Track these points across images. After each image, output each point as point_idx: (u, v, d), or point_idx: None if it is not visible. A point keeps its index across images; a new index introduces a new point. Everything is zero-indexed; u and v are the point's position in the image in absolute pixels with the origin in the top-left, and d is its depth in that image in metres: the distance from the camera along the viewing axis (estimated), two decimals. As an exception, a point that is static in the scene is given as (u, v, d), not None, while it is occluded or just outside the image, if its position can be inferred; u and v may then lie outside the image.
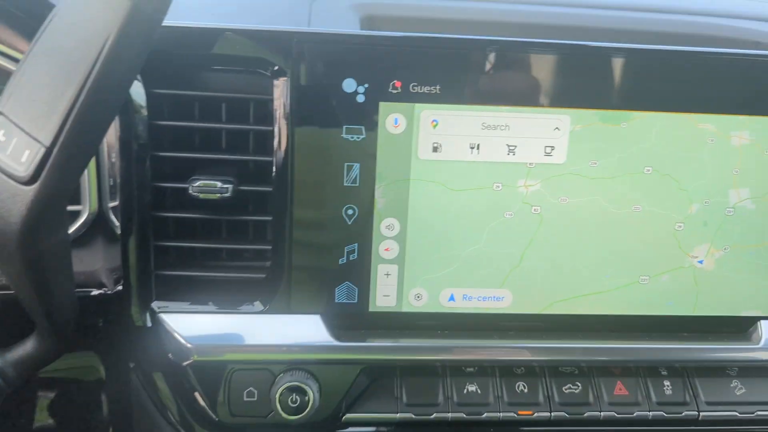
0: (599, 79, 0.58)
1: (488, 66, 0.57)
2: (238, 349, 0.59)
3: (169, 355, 0.59)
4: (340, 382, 0.61)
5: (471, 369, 0.64)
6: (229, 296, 0.61)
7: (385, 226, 0.60)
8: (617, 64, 0.57)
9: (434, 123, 0.58)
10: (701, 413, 0.64)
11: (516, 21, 0.72)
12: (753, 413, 0.64)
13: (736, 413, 0.64)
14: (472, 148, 0.58)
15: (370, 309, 0.61)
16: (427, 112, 0.57)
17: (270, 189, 0.58)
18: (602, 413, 0.63)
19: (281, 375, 0.59)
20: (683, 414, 0.64)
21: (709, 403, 0.64)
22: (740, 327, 0.65)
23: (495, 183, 0.59)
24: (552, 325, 0.63)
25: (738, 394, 0.65)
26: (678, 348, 0.63)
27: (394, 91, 0.57)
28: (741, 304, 0.64)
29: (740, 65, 0.59)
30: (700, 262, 0.63)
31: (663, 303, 0.64)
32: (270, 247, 0.60)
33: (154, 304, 0.60)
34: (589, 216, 0.61)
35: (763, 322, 0.65)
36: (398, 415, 0.62)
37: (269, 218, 0.59)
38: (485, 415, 0.62)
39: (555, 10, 0.74)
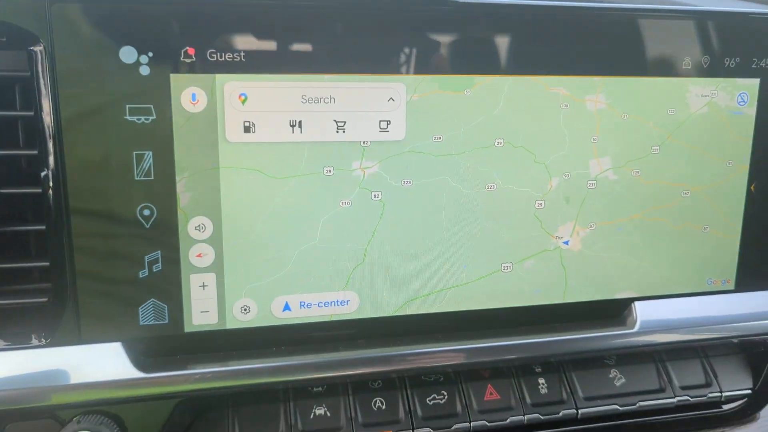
0: (436, 39, 0.50)
1: (304, 26, 0.48)
2: (11, 396, 0.46)
3: None
4: (152, 423, 0.49)
5: (318, 389, 0.55)
6: (1, 330, 0.48)
7: (194, 227, 0.49)
8: (455, 20, 0.50)
9: (243, 98, 0.48)
10: (580, 410, 0.57)
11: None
12: (635, 404, 0.59)
13: (617, 406, 0.58)
14: (293, 126, 0.49)
15: (187, 329, 0.50)
16: (232, 84, 0.47)
17: (39, 190, 0.46)
18: (472, 424, 0.55)
19: (69, 423, 0.47)
20: (561, 414, 0.57)
21: (588, 398, 0.58)
22: (615, 311, 0.59)
23: (325, 167, 0.50)
24: (407, 328, 0.55)
25: (618, 384, 0.59)
26: (549, 341, 0.56)
27: (188, 60, 0.46)
28: (613, 287, 0.59)
29: (591, 19, 0.52)
30: (566, 242, 0.56)
31: (530, 292, 0.57)
32: (47, 264, 0.47)
33: None
34: (438, 199, 0.53)
35: (637, 303, 0.59)
36: (230, 454, 0.51)
37: (42, 227, 0.47)
38: (337, 441, 0.53)
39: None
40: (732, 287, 0.61)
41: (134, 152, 0.46)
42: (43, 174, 0.46)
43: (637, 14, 0.53)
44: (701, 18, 0.55)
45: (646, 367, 0.60)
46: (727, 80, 0.57)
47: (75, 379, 0.47)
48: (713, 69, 0.56)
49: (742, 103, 0.58)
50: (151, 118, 0.46)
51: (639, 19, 0.53)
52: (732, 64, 0.56)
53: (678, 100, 0.56)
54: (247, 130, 0.48)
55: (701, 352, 0.62)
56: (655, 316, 0.58)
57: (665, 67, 0.55)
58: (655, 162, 0.57)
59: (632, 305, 0.59)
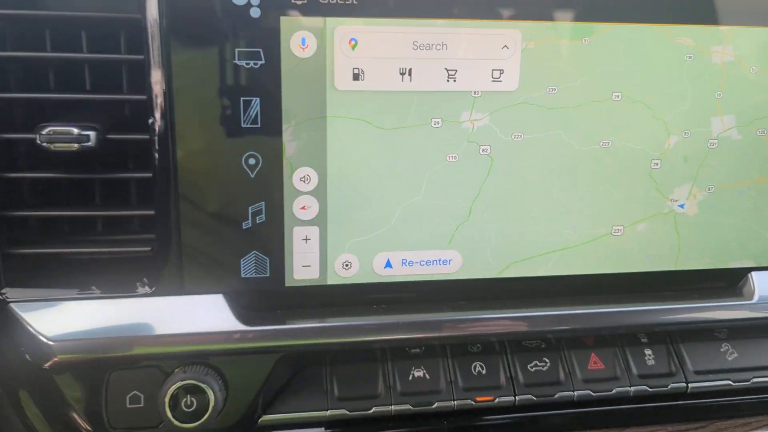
0: (554, -17, 0.47)
1: (418, -33, 0.45)
2: (116, 343, 0.46)
3: (27, 356, 0.46)
4: (253, 377, 0.49)
5: (417, 350, 0.53)
6: (104, 278, 0.48)
7: (299, 178, 0.47)
8: (575, -37, 0.46)
9: (353, 43, 0.45)
10: (690, 384, 0.54)
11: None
12: (749, 380, 0.55)
13: (730, 382, 0.55)
14: (403, 74, 0.47)
15: (287, 284, 0.49)
16: (342, 28, 0.45)
17: (146, 137, 0.45)
18: (576, 393, 0.53)
19: (174, 373, 0.46)
20: (669, 387, 0.54)
21: (698, 372, 0.55)
22: (729, 281, 0.56)
23: (433, 118, 0.48)
24: (510, 291, 0.52)
25: (730, 359, 0.55)
26: (659, 309, 0.53)
27: (299, 2, 0.44)
28: (729, 255, 0.55)
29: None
30: (681, 206, 0.53)
31: (641, 257, 0.53)
32: (153, 213, 0.47)
33: (5, 292, 0.46)
34: (550, 155, 0.50)
35: (754, 273, 0.55)
36: (329, 412, 0.50)
37: (149, 175, 0.46)
38: (436, 404, 0.51)
39: None
40: None
41: (242, 98, 0.45)
42: (150, 121, 0.45)
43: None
44: None
45: (763, 342, 0.57)
46: None
47: (177, 329, 0.47)
48: None
49: None
50: (260, 62, 0.45)
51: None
52: None
53: (813, 53, 0.51)
54: (356, 77, 0.46)
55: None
56: (773, 287, 0.55)
57: (800, 17, 0.50)
58: (783, 121, 0.52)
59: (749, 275, 0.55)
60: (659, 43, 0.49)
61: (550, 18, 0.47)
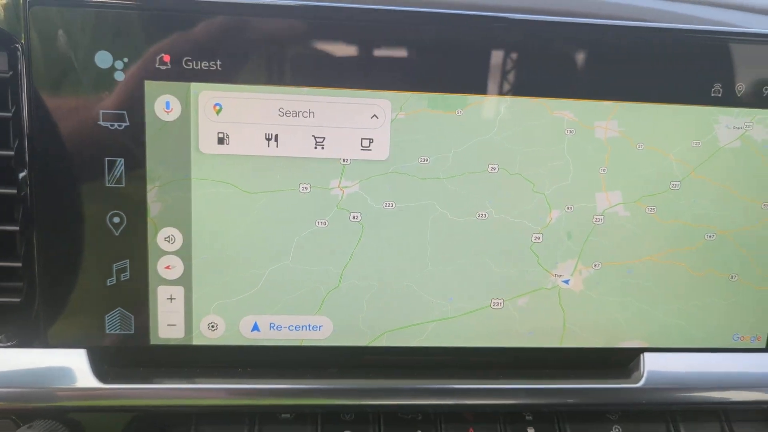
0: (426, 53, 0.47)
1: (282, 36, 0.45)
2: (-30, 395, 0.46)
3: None
4: (110, 434, 0.48)
5: (286, 415, 0.52)
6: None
7: (164, 238, 0.47)
8: (447, 33, 0.46)
9: (217, 108, 0.46)
10: (573, 470, 0.52)
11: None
12: (637, 468, 0.52)
13: (616, 469, 0.52)
14: (269, 139, 0.47)
15: (152, 341, 0.49)
16: (207, 93, 0.46)
17: (14, 191, 0.46)
18: (448, 471, 0.51)
19: (22, 428, 0.46)
20: (551, 471, 0.52)
21: (583, 457, 0.52)
22: (619, 361, 0.53)
23: (301, 184, 0.48)
24: (384, 360, 0.51)
25: (619, 444, 0.53)
26: (544, 389, 0.51)
27: (163, 67, 0.45)
28: (619, 334, 0.53)
29: (603, 35, 0.48)
30: (566, 281, 0.51)
31: (523, 333, 0.52)
32: (20, 264, 0.47)
33: None
34: (423, 225, 0.49)
35: (646, 354, 0.53)
36: (189, 475, 0.49)
37: (15, 228, 0.47)
38: (301, 473, 0.50)
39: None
40: (763, 345, 0.54)
41: (106, 158, 0.46)
42: (18, 175, 0.46)
43: (660, 33, 0.48)
44: (736, 40, 0.49)
45: (655, 427, 0.54)
46: (766, 111, 0.50)
47: (36, 383, 0.47)
48: (749, 98, 0.50)
49: (783, 139, 0.51)
50: (124, 124, 0.45)
51: (662, 37, 0.48)
52: (772, 93, 0.50)
53: (704, 132, 0.50)
54: (221, 141, 0.46)
55: (722, 415, 0.55)
56: (666, 370, 0.52)
57: (691, 94, 0.49)
58: (674, 199, 0.51)
59: (641, 356, 0.53)
60: (537, 117, 0.48)
61: (420, 89, 0.47)
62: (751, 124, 0.50)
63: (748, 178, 0.51)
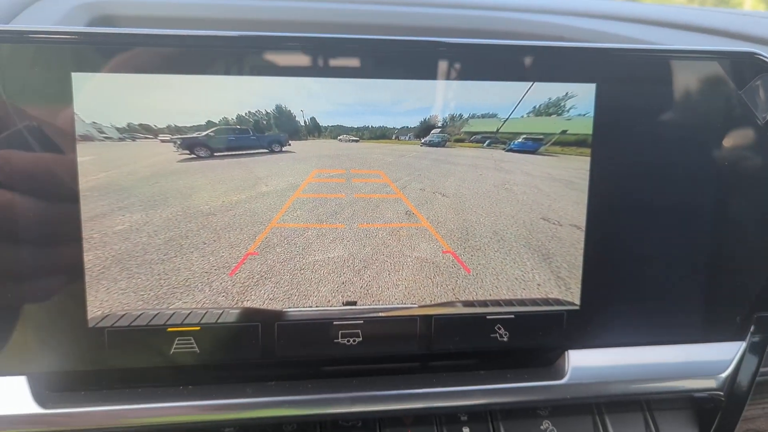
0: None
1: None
2: None
3: None
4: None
5: (230, 429, 0.53)
6: None
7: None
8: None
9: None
10: (507, 465, 0.55)
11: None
12: (565, 461, 0.56)
13: (547, 462, 0.55)
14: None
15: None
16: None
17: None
18: (389, 474, 0.53)
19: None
20: (486, 467, 0.55)
21: (516, 453, 0.55)
22: (547, 358, 0.57)
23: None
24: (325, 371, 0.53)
25: (549, 438, 0.56)
26: (475, 390, 0.54)
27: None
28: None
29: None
30: (492, 287, 0.54)
31: (454, 337, 0.55)
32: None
33: None
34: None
35: (571, 351, 0.56)
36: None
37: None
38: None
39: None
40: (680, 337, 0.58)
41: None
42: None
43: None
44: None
45: (582, 419, 0.57)
46: (666, 121, 0.54)
47: (-25, 412, 0.48)
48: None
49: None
50: None
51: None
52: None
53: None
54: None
55: (644, 405, 0.59)
56: (589, 365, 0.56)
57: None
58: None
59: (566, 353, 0.56)
60: (457, 133, 0.51)
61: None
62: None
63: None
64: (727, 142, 0.55)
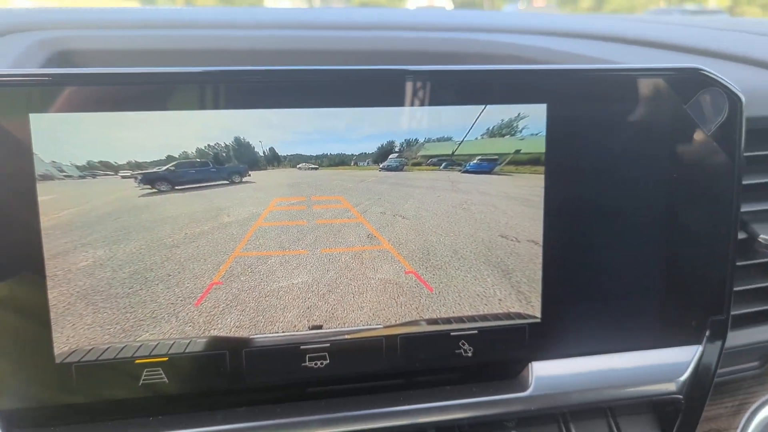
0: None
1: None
2: None
3: None
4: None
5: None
6: None
7: (65, 299, 0.49)
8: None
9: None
10: (476, 477, 0.56)
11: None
12: (533, 471, 0.57)
13: (515, 472, 0.57)
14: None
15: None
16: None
17: None
18: (359, 493, 0.54)
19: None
20: (456, 481, 0.56)
21: (484, 464, 0.57)
22: (512, 371, 0.58)
23: (197, 236, 0.50)
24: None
25: (517, 449, 0.58)
26: (442, 406, 0.55)
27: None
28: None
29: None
30: (455, 304, 0.56)
31: (420, 355, 0.56)
32: None
33: None
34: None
35: (534, 363, 0.58)
36: None
37: None
38: None
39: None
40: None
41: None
42: None
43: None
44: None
45: (548, 429, 0.59)
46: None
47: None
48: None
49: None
50: None
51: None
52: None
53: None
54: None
55: (608, 412, 0.61)
56: (552, 375, 0.57)
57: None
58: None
59: (530, 365, 0.58)
60: (414, 157, 0.53)
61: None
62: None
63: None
64: (676, 154, 0.57)
